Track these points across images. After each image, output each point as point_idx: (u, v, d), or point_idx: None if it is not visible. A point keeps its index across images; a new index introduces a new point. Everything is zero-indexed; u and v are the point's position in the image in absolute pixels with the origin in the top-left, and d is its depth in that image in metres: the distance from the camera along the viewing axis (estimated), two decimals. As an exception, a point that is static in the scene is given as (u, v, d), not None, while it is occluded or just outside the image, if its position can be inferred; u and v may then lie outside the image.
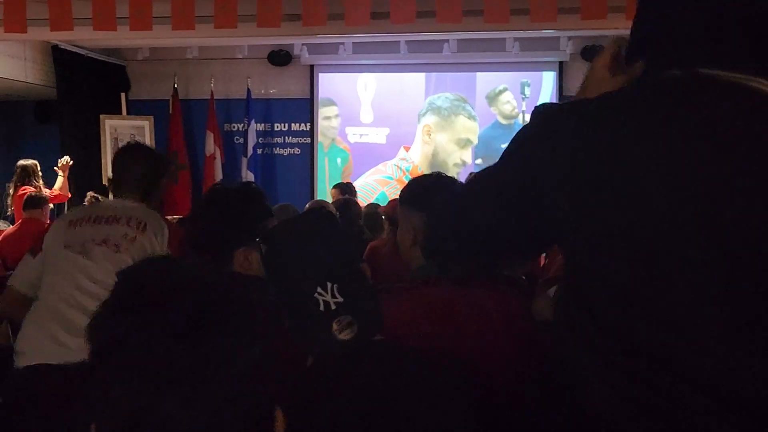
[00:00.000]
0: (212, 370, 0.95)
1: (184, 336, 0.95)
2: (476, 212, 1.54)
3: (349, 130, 11.35)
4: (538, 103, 1.57)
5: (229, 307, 1.01)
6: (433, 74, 11.08)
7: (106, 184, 9.22)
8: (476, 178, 1.62)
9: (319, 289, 1.81)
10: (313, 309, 1.81)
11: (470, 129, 10.99)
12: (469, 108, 10.99)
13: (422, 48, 10.56)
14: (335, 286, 1.82)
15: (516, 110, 10.81)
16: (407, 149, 11.12)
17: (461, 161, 10.90)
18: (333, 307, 1.81)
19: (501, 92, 10.84)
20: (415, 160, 11.06)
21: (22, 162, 8.65)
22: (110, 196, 3.72)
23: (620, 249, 1.27)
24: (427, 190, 2.46)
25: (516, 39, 10.19)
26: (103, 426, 0.97)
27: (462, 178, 10.14)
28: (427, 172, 10.06)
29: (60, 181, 8.77)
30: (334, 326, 1.81)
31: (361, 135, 11.34)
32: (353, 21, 6.25)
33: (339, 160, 11.47)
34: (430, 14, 6.27)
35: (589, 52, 9.89)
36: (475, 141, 10.92)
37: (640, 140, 1.27)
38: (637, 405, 1.25)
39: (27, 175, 8.50)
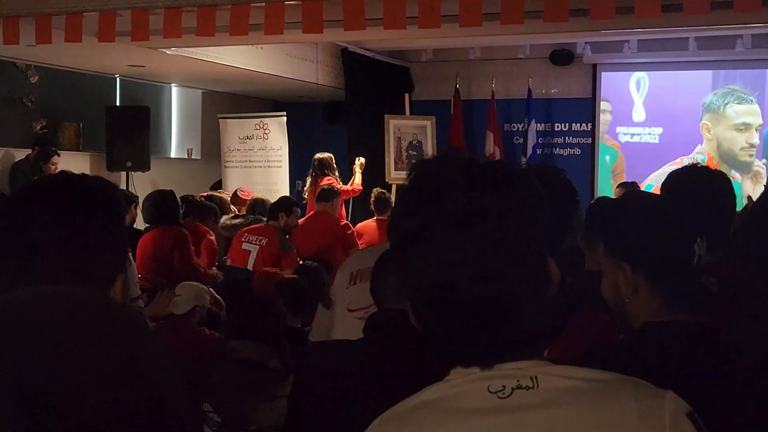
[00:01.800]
0: (489, 244, 1.17)
1: (461, 223, 1.17)
2: None
3: (620, 129, 11.10)
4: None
5: (497, 193, 1.20)
6: (722, 72, 10.57)
7: (390, 182, 9.54)
8: None
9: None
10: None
11: (744, 112, 10.56)
12: (739, 94, 10.53)
13: (713, 44, 10.05)
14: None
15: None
16: (701, 145, 10.77)
17: (747, 144, 10.48)
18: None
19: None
20: (708, 153, 10.70)
21: (318, 155, 9.10)
22: None
23: None
24: (685, 184, 2.57)
25: (820, 32, 9.46)
26: (414, 293, 1.23)
27: (757, 159, 9.70)
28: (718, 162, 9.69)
29: (358, 177, 9.26)
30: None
31: (632, 135, 11.04)
32: (643, 13, 5.99)
33: (608, 158, 11.25)
34: (727, 5, 5.91)
35: None
36: (757, 121, 10.45)
37: None
38: None
39: (324, 166, 8.92)
